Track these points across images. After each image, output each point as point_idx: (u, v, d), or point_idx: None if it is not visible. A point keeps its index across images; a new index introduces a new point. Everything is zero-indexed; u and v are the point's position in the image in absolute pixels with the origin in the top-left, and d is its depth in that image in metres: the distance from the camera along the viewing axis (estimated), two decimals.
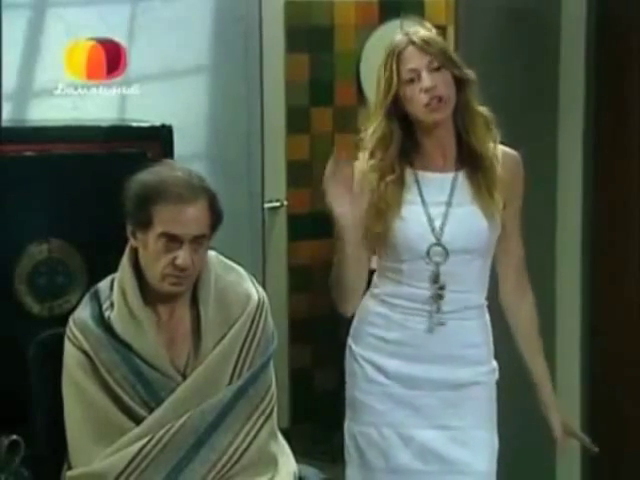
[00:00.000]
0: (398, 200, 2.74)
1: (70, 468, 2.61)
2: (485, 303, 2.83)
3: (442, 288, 2.73)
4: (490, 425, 2.83)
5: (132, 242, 2.65)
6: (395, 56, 2.70)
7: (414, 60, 2.69)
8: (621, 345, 3.86)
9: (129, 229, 2.65)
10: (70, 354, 2.63)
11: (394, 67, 2.70)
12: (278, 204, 4.80)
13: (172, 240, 2.56)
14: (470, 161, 2.77)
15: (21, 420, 2.76)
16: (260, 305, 2.72)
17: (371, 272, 2.89)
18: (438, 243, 2.72)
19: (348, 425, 2.86)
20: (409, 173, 2.76)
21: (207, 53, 3.94)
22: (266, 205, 4.44)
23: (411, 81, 2.69)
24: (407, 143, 2.77)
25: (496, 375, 2.85)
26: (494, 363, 2.85)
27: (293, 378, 4.89)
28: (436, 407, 2.76)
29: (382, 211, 2.74)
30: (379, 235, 2.76)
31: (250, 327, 2.69)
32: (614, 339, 3.89)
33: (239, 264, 2.83)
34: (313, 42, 5.08)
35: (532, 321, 2.87)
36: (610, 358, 3.90)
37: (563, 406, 2.92)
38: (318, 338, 5.13)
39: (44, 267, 3.19)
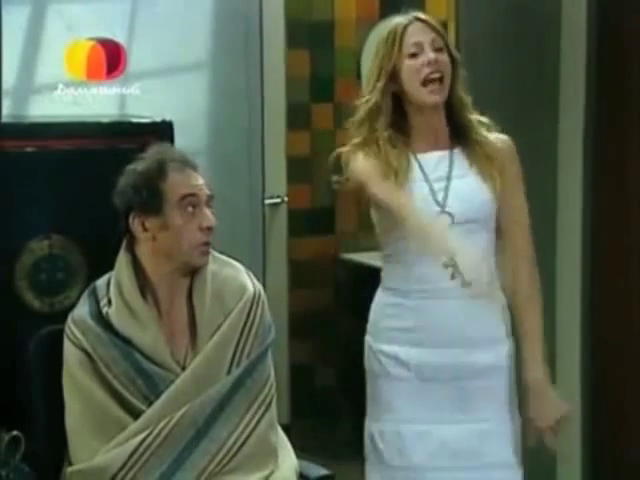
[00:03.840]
0: (399, 158, 2.72)
1: (71, 464, 2.62)
2: (497, 282, 2.81)
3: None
4: (509, 413, 2.80)
5: (142, 235, 2.64)
6: (400, 30, 2.73)
7: (419, 35, 2.72)
8: (621, 339, 3.86)
9: (137, 222, 2.64)
10: (69, 352, 2.64)
11: (397, 40, 2.72)
12: (278, 200, 4.79)
13: (192, 204, 2.61)
14: (463, 140, 2.79)
15: (21, 416, 2.76)
16: (256, 296, 2.73)
17: (377, 269, 2.88)
18: (443, 211, 2.72)
19: (367, 424, 2.86)
20: (409, 156, 2.76)
21: (207, 49, 3.94)
22: (266, 201, 4.44)
23: (413, 55, 2.71)
24: (400, 125, 2.77)
25: (513, 356, 2.82)
26: (511, 343, 2.82)
27: (293, 374, 4.90)
28: (453, 400, 2.75)
29: (391, 167, 2.71)
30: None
31: (247, 318, 2.70)
32: (614, 333, 3.89)
33: (239, 260, 2.84)
34: (313, 38, 5.08)
35: (531, 284, 2.81)
36: (610, 353, 3.90)
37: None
38: (318, 334, 5.13)
39: (45, 263, 3.19)
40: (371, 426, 2.84)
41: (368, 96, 2.77)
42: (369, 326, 2.88)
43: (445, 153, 2.77)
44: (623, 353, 3.84)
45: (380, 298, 2.85)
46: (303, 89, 5.07)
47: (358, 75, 5.16)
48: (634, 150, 3.75)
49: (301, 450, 2.85)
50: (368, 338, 2.87)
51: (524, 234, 2.84)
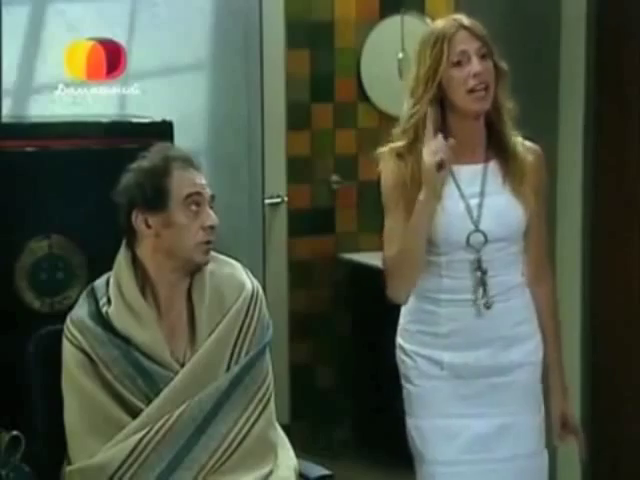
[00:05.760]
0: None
1: (70, 464, 2.61)
2: (524, 279, 2.85)
3: (485, 273, 2.75)
4: (536, 405, 2.86)
5: (145, 232, 2.64)
6: (446, 39, 2.69)
7: (465, 43, 2.69)
8: (621, 338, 3.86)
9: (140, 219, 2.63)
10: (68, 353, 2.63)
11: (444, 49, 2.68)
12: (278, 200, 4.80)
13: (196, 203, 2.62)
14: (499, 152, 2.78)
15: (21, 416, 2.76)
16: (254, 294, 2.74)
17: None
18: (477, 229, 2.73)
19: (406, 421, 2.87)
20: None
21: (207, 49, 3.94)
22: (266, 201, 4.44)
23: (458, 64, 2.69)
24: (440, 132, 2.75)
25: (541, 352, 2.87)
26: (539, 337, 2.87)
27: (293, 374, 4.90)
28: (482, 395, 2.78)
29: (421, 185, 2.71)
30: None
31: (245, 315, 2.70)
32: (614, 332, 3.89)
33: (239, 260, 2.84)
34: (313, 38, 5.08)
35: (548, 307, 2.90)
36: (610, 353, 3.90)
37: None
38: (318, 334, 5.13)
39: (45, 263, 3.19)
40: (409, 423, 2.86)
41: (415, 105, 2.74)
42: (400, 329, 2.89)
43: (479, 167, 2.78)
44: (623, 353, 3.84)
45: (411, 302, 2.87)
46: (303, 89, 5.07)
47: (358, 75, 5.16)
48: (634, 150, 3.75)
49: (301, 450, 2.86)
50: (399, 340, 2.89)
51: (541, 254, 2.90)
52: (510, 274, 2.81)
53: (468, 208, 2.75)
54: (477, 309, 2.76)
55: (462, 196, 2.75)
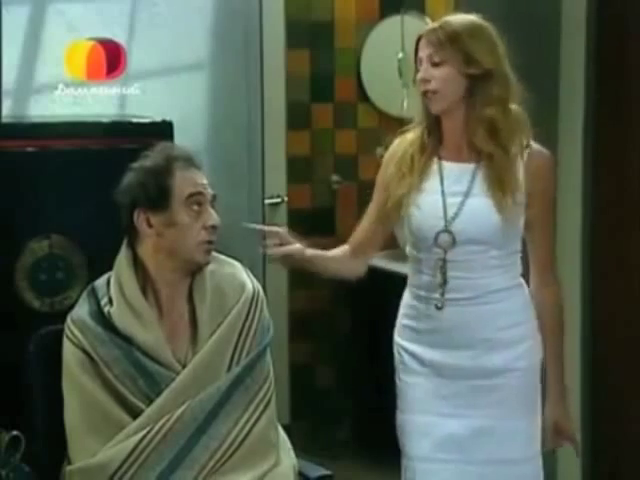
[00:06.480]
0: (419, 168, 2.79)
1: (70, 464, 2.62)
2: (517, 282, 2.84)
3: (445, 274, 2.75)
4: (527, 412, 2.83)
5: (147, 231, 2.65)
6: (415, 44, 2.80)
7: (421, 50, 2.78)
8: (621, 338, 3.86)
9: (142, 218, 2.64)
10: (70, 352, 2.64)
11: (414, 54, 2.80)
12: (278, 200, 4.79)
13: (198, 203, 2.64)
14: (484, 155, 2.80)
15: (21, 416, 2.76)
16: (255, 295, 2.75)
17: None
18: (446, 229, 2.74)
19: (396, 414, 2.89)
20: (434, 162, 2.80)
21: (207, 49, 3.95)
22: (266, 201, 4.44)
23: (418, 70, 2.78)
24: (436, 132, 2.82)
25: (537, 355, 2.84)
26: (533, 342, 2.84)
27: (293, 374, 4.90)
28: (464, 396, 2.78)
29: (404, 175, 2.79)
30: (399, 205, 2.80)
31: (246, 316, 2.71)
32: (614, 332, 3.89)
33: (239, 260, 2.84)
34: (313, 37, 5.08)
35: (549, 312, 2.87)
36: (610, 355, 3.91)
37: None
38: (318, 334, 5.14)
39: (45, 263, 3.20)
40: (396, 417, 2.89)
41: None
42: (396, 321, 2.93)
43: (470, 166, 2.78)
44: (623, 353, 3.84)
45: (405, 297, 2.91)
46: (303, 89, 5.07)
47: (358, 75, 5.16)
48: (634, 150, 3.75)
49: (301, 450, 2.86)
50: (395, 334, 2.93)
51: (545, 258, 2.88)
52: (493, 277, 2.78)
53: (444, 205, 2.76)
54: (438, 308, 2.77)
55: (443, 193, 2.76)
